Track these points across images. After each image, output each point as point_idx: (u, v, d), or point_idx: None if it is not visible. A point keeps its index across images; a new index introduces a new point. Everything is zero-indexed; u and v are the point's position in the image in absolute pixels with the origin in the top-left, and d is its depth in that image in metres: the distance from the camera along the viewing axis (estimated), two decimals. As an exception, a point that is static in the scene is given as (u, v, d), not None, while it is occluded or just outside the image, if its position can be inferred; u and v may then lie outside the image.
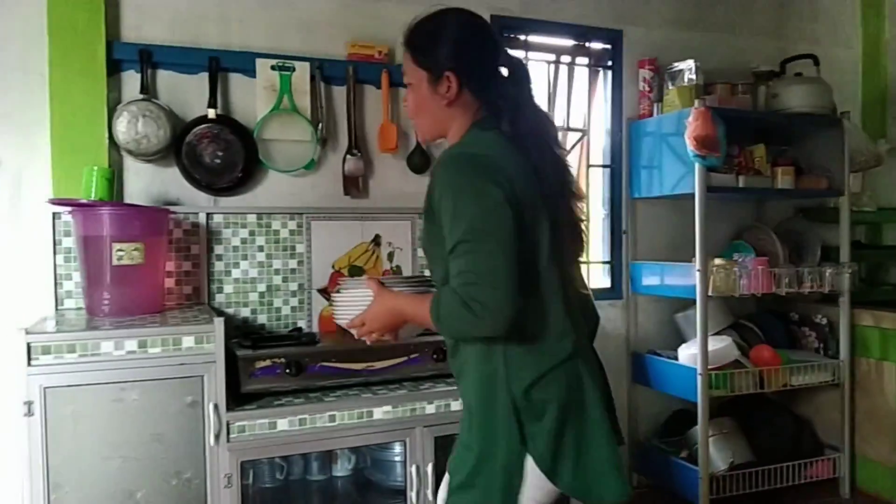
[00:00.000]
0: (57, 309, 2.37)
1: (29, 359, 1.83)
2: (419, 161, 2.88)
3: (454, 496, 1.46)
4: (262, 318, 2.64)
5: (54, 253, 2.38)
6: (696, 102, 2.79)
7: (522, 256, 1.34)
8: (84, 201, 2.21)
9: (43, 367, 1.84)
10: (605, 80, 3.36)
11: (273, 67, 2.65)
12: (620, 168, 3.31)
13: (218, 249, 2.59)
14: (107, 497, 1.90)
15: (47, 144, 2.38)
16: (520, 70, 1.52)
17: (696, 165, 2.78)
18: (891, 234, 3.56)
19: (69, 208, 2.26)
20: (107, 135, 2.44)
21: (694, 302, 2.86)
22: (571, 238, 1.53)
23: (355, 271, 2.77)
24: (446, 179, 1.38)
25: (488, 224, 1.31)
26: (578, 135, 3.33)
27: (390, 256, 2.84)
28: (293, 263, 2.69)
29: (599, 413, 1.39)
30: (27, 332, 1.84)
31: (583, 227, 1.59)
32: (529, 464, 1.37)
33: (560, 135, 1.62)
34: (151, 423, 1.94)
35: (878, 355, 3.10)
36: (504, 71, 1.51)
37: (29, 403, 1.82)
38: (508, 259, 1.30)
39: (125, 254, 2.17)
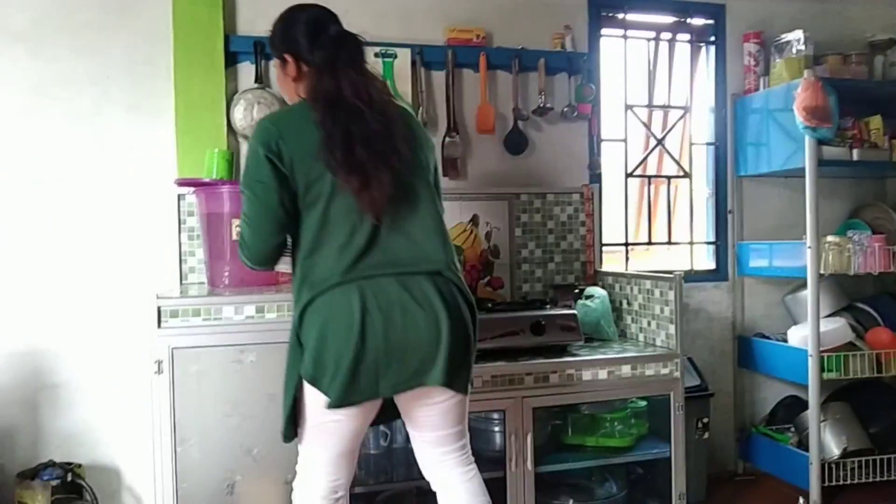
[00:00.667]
0: (181, 283, 2.57)
1: (159, 321, 2.01)
2: (516, 142, 2.93)
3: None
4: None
5: (179, 231, 2.58)
6: (806, 73, 2.69)
7: (288, 206, 1.58)
8: (207, 181, 2.39)
9: (171, 329, 2.02)
10: (707, 56, 3.29)
11: (376, 55, 2.75)
12: (725, 146, 3.23)
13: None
14: (226, 452, 2.05)
15: (172, 131, 2.58)
16: (326, 42, 1.66)
17: (807, 138, 2.67)
18: None
19: (193, 188, 2.45)
20: (225, 122, 2.63)
21: (805, 283, 2.75)
22: (391, 193, 1.59)
23: (455, 250, 2.83)
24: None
25: (249, 178, 1.60)
26: (680, 113, 3.27)
27: (488, 236, 2.89)
28: (395, 242, 2.79)
29: (355, 335, 1.52)
30: (158, 297, 2.03)
31: (420, 181, 1.67)
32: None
33: (379, 99, 1.64)
34: (268, 384, 2.06)
35: None
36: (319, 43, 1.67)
37: (159, 362, 2.00)
38: (263, 206, 1.58)
39: (242, 229, 2.32)
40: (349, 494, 1.81)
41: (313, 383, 1.58)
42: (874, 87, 2.93)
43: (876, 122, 2.89)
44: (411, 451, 2.44)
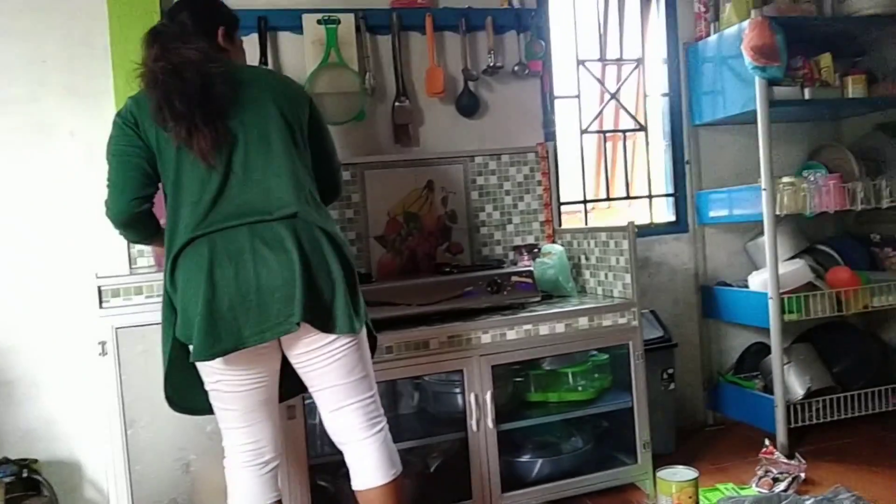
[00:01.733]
0: (131, 268, 2.52)
1: (101, 301, 1.97)
2: (468, 103, 2.89)
3: None
4: (323, 267, 2.72)
5: (126, 213, 2.52)
6: (753, 12, 2.67)
7: (147, 169, 1.70)
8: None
9: (114, 308, 1.99)
10: (657, 6, 3.25)
11: (319, 21, 2.70)
12: (679, 96, 3.20)
13: (277, 202, 2.68)
14: (179, 431, 2.03)
15: (113, 113, 2.51)
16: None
17: (757, 79, 2.65)
18: None
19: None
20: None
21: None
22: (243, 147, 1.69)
23: (410, 217, 2.81)
24: None
25: (110, 146, 1.72)
26: (633, 65, 3.24)
27: (444, 201, 2.86)
28: (350, 213, 2.76)
29: (204, 286, 1.57)
30: (97, 276, 1.99)
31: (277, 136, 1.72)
32: None
33: (206, 61, 1.69)
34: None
35: (971, 271, 2.89)
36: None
37: (102, 343, 1.97)
38: (120, 170, 1.70)
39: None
40: (283, 463, 1.83)
41: (186, 342, 1.61)
42: (823, 23, 2.90)
43: (826, 60, 2.87)
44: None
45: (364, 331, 1.76)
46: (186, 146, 1.63)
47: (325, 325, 1.64)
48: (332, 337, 1.66)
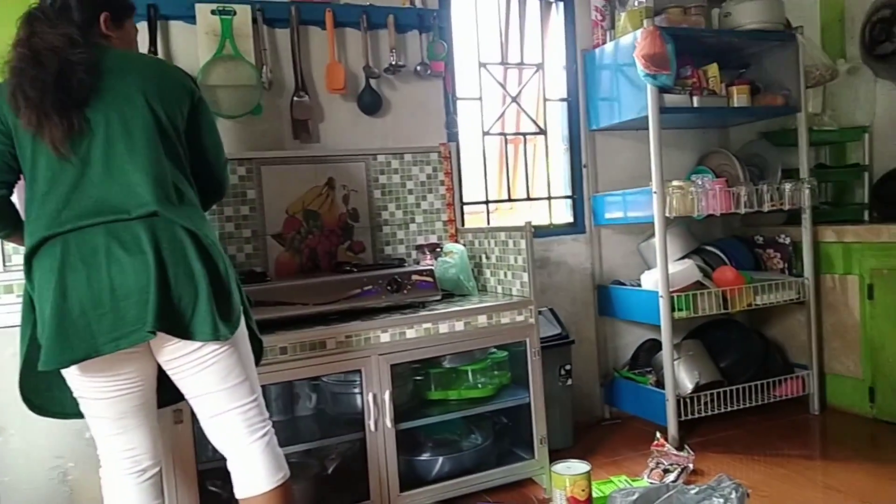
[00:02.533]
0: (5, 265, 2.34)
1: (-36, 300, 1.82)
2: (370, 101, 2.86)
3: None
4: (218, 266, 2.62)
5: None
6: (645, 22, 2.77)
7: (3, 156, 1.60)
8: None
9: (-21, 308, 1.83)
10: (557, 13, 3.33)
11: (213, 12, 2.60)
12: (577, 101, 3.29)
13: (168, 198, 2.57)
14: (55, 437, 1.90)
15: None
16: None
17: (648, 86, 2.76)
18: (855, 154, 3.54)
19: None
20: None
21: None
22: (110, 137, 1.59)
23: (310, 215, 2.76)
24: None
25: None
26: (534, 70, 3.30)
27: (345, 199, 2.82)
28: (245, 210, 2.67)
29: (54, 291, 1.49)
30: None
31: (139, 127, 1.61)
32: None
33: (70, 47, 1.59)
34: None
35: (841, 270, 3.09)
36: None
37: (-32, 345, 1.82)
38: None
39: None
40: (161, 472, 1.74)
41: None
42: (710, 35, 3.05)
43: (713, 69, 3.01)
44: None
45: (241, 334, 1.66)
46: (38, 135, 1.53)
47: (184, 332, 1.53)
48: (198, 344, 1.56)
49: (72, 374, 1.56)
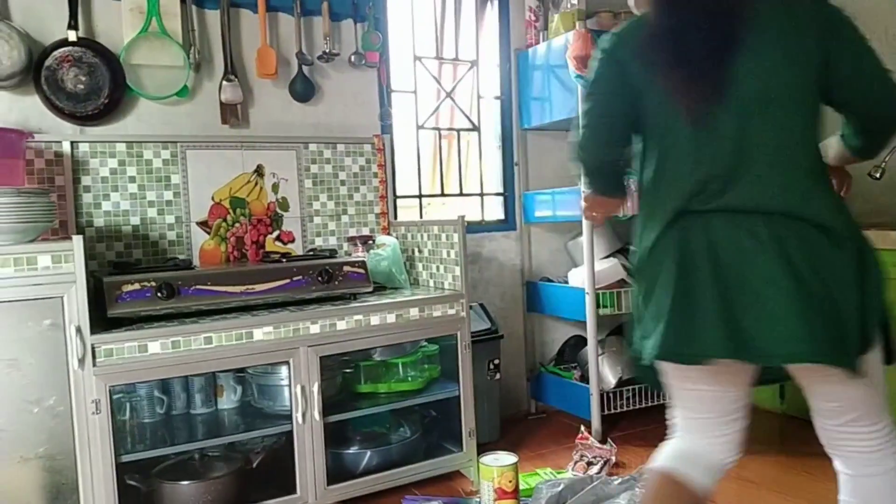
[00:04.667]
0: None
1: None
2: (302, 88, 2.81)
3: None
4: (137, 253, 2.52)
5: None
6: (577, 24, 2.82)
7: (624, 116, 1.43)
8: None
9: None
10: (492, 11, 3.35)
11: (139, -12, 2.50)
12: (511, 99, 3.32)
13: (85, 181, 2.45)
14: (33, 424, 1.78)
15: None
16: None
17: (578, 87, 2.81)
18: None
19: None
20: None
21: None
22: None
23: (237, 203, 2.68)
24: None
25: (591, 84, 1.46)
26: (468, 66, 3.32)
27: (275, 188, 2.76)
28: (169, 195, 2.57)
29: (711, 279, 1.31)
30: None
31: None
32: None
33: None
34: (5, 348, 1.81)
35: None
36: None
37: None
38: (595, 113, 1.46)
39: (-27, 176, 2.01)
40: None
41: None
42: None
43: (640, 74, 3.09)
44: (193, 417, 2.33)
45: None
46: (677, 97, 1.31)
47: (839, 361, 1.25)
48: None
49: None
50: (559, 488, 2.19)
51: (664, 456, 1.52)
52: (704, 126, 1.32)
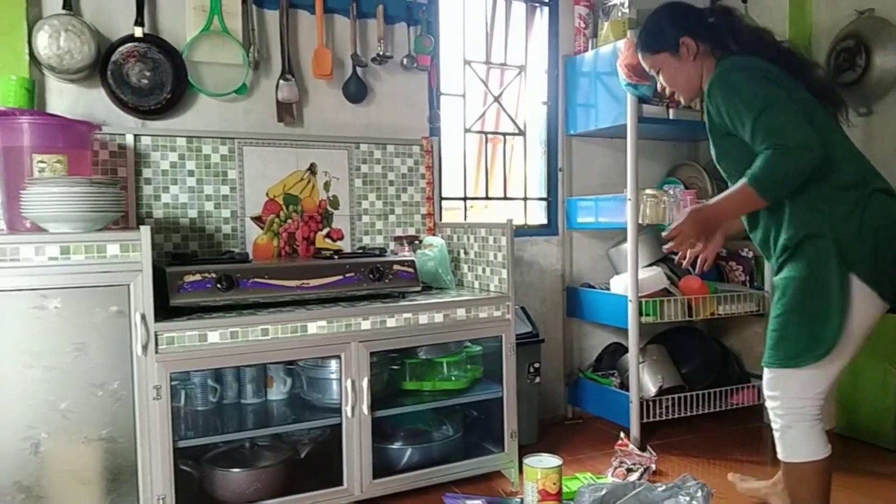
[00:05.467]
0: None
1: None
2: (355, 89, 2.86)
3: None
4: (193, 245, 2.59)
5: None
6: (629, 33, 2.84)
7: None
8: (2, 109, 2.11)
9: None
10: (541, 18, 3.38)
11: (201, -12, 2.57)
12: (557, 105, 3.35)
13: (146, 173, 2.52)
14: (29, 407, 1.84)
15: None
16: (720, 10, 2.02)
17: (628, 95, 2.83)
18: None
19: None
20: (27, 49, 2.34)
21: (626, 236, 2.91)
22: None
23: (290, 200, 2.74)
24: (723, 90, 1.83)
25: (761, 95, 1.76)
26: (516, 71, 3.35)
27: (326, 186, 2.81)
28: (225, 190, 2.64)
29: None
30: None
31: None
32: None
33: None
34: (74, 333, 1.88)
35: (799, 285, 3.22)
36: (710, 18, 1.99)
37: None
38: (787, 105, 1.75)
39: (47, 165, 2.08)
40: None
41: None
42: (688, 52, 3.14)
43: (690, 84, 3.10)
44: (243, 407, 2.39)
45: None
46: None
47: None
48: None
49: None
50: (602, 493, 2.21)
51: (825, 443, 1.84)
52: None
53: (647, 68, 2.08)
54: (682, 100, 2.10)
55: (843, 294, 1.73)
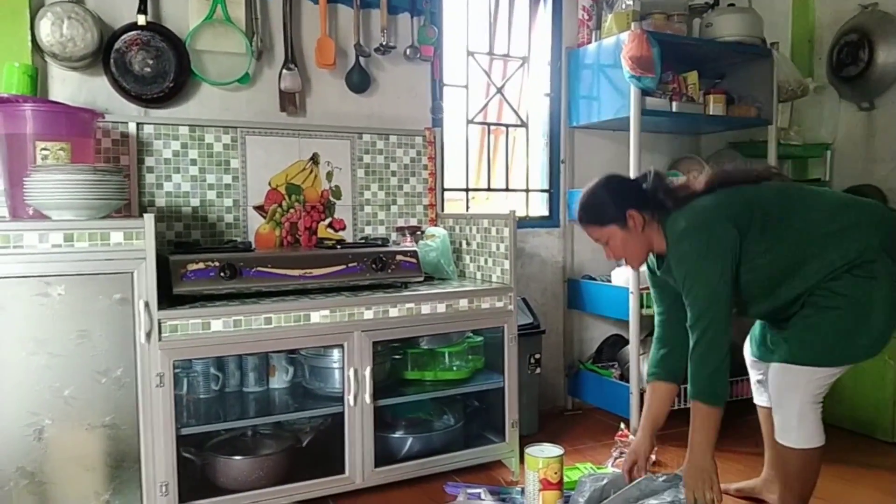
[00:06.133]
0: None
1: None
2: (358, 79, 2.86)
3: None
4: (195, 234, 2.59)
5: (-28, 157, 2.26)
6: (633, 25, 2.84)
7: None
8: (5, 95, 2.11)
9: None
10: (545, 9, 3.38)
11: (205, -22, 2.57)
12: (560, 97, 3.34)
13: (149, 162, 2.52)
14: (33, 394, 1.85)
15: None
16: (651, 174, 2.05)
17: (632, 87, 2.83)
18: (816, 170, 3.70)
19: (-12, 105, 2.15)
20: (29, 36, 2.33)
21: (628, 226, 2.92)
22: None
23: (293, 189, 2.74)
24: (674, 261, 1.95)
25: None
26: (519, 63, 3.35)
27: (329, 176, 2.81)
28: (228, 179, 2.64)
29: None
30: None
31: None
32: None
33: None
34: (78, 320, 1.88)
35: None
36: (644, 185, 2.04)
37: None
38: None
39: (50, 153, 2.08)
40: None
41: None
42: (693, 44, 3.14)
43: (693, 77, 3.11)
44: (245, 395, 2.40)
45: None
46: None
47: None
48: None
49: None
50: (603, 482, 2.22)
51: (822, 432, 1.95)
52: None
53: (594, 240, 2.11)
54: (632, 266, 2.16)
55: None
